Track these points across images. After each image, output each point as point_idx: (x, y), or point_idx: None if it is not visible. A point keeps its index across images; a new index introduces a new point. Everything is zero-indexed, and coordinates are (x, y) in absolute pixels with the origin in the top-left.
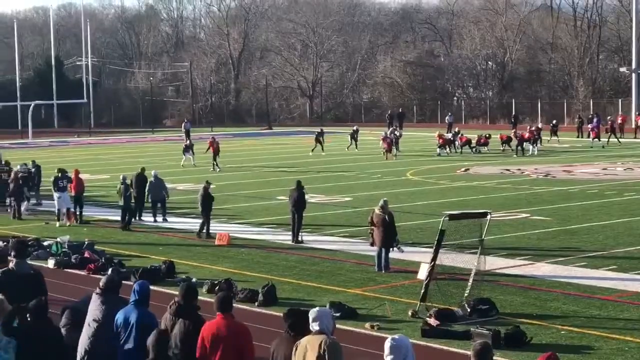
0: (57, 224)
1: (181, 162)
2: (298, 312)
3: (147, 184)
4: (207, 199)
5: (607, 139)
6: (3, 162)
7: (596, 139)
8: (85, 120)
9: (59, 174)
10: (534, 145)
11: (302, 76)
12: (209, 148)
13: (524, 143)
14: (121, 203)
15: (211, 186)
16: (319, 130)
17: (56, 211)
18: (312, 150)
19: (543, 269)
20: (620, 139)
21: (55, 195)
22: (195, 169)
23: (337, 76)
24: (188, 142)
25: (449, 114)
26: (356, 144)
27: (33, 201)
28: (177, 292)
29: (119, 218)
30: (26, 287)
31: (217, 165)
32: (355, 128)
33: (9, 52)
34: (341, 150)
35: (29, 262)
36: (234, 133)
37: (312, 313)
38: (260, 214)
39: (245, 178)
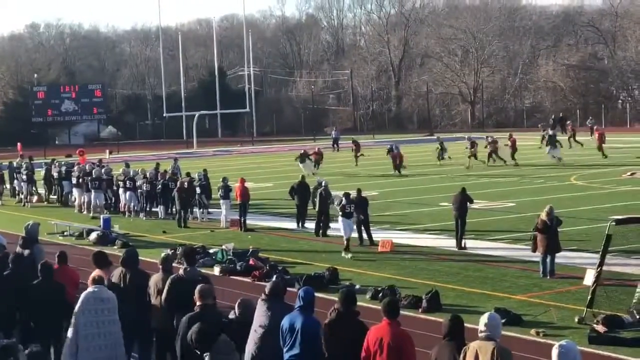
0: None
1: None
2: (454, 319)
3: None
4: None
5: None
6: (179, 172)
7: None
8: (248, 129)
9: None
10: None
11: (463, 82)
12: (312, 155)
13: None
14: (316, 208)
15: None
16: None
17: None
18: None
19: None
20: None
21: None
22: (355, 175)
23: (498, 81)
24: (303, 151)
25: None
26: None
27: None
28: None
29: (282, 225)
30: None
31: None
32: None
33: (174, 64)
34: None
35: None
36: (395, 140)
37: (483, 319)
38: (423, 220)
39: (408, 184)
